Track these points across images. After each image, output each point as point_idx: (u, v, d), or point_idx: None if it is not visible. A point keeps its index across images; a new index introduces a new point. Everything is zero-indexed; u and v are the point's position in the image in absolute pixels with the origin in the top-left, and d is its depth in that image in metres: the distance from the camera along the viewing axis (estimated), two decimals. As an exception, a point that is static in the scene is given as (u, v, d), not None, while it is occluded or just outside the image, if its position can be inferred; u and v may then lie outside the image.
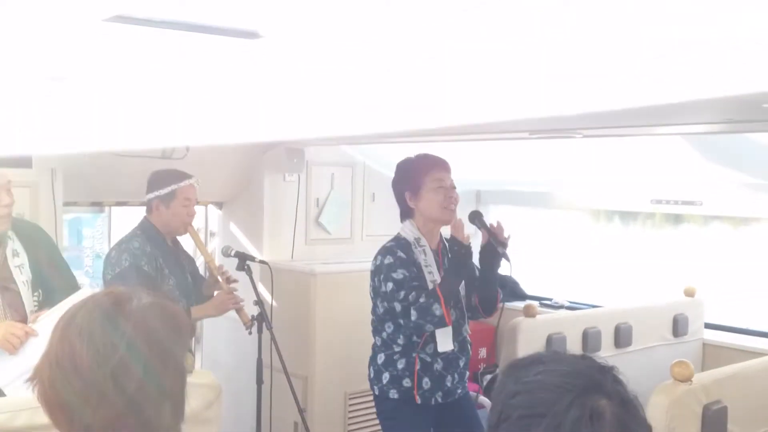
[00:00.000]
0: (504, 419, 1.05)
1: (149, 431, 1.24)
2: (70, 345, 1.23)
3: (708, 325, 4.38)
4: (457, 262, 2.95)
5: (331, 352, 4.19)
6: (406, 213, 3.12)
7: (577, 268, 5.04)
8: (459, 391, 3.10)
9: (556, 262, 5.14)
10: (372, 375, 3.12)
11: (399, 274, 2.93)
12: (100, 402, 1.20)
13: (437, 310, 2.83)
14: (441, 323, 2.86)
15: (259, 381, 3.66)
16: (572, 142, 4.03)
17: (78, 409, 1.21)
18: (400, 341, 3.01)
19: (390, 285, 2.94)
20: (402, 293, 2.89)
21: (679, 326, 4.18)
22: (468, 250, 2.94)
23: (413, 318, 2.85)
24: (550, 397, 1.03)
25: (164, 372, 1.25)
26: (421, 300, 2.84)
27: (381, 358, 3.07)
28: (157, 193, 3.42)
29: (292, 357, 3.73)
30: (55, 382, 1.22)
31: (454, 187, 3.07)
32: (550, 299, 5.03)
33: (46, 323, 2.51)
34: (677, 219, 4.62)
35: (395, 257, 2.97)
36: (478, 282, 3.07)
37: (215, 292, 3.69)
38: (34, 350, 2.45)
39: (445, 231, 3.20)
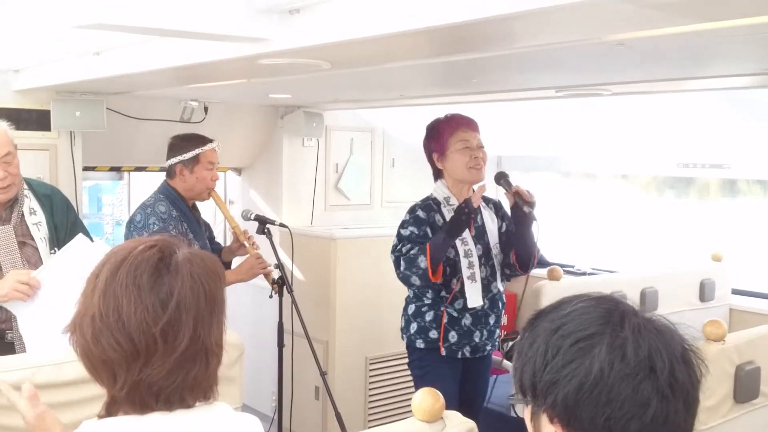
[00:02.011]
0: (553, 355, 1.03)
1: (197, 386, 1.20)
2: (115, 300, 1.17)
3: (735, 291, 4.29)
4: (455, 222, 2.93)
5: (352, 317, 4.17)
6: (436, 173, 3.15)
7: (615, 242, 4.94)
8: (488, 348, 3.14)
9: (597, 235, 5.04)
10: (402, 324, 3.18)
11: (407, 231, 2.99)
12: (149, 360, 1.16)
13: (422, 262, 2.85)
14: (425, 277, 2.87)
15: (280, 345, 3.64)
16: (597, 106, 3.96)
17: (124, 367, 1.17)
18: (429, 295, 3.05)
19: (396, 239, 3.02)
20: (399, 245, 2.97)
21: (705, 291, 4.10)
22: (467, 216, 2.91)
23: (402, 268, 2.91)
24: (600, 315, 1.03)
25: (211, 325, 1.21)
26: (411, 252, 2.89)
27: (411, 308, 3.12)
28: (180, 158, 3.38)
29: (312, 322, 3.70)
30: (100, 339, 1.17)
31: (481, 147, 3.06)
32: (572, 266, 4.96)
33: (48, 271, 2.49)
34: (733, 191, 4.47)
35: (413, 215, 3.02)
36: (514, 240, 3.08)
37: (236, 258, 3.67)
38: (43, 298, 2.44)
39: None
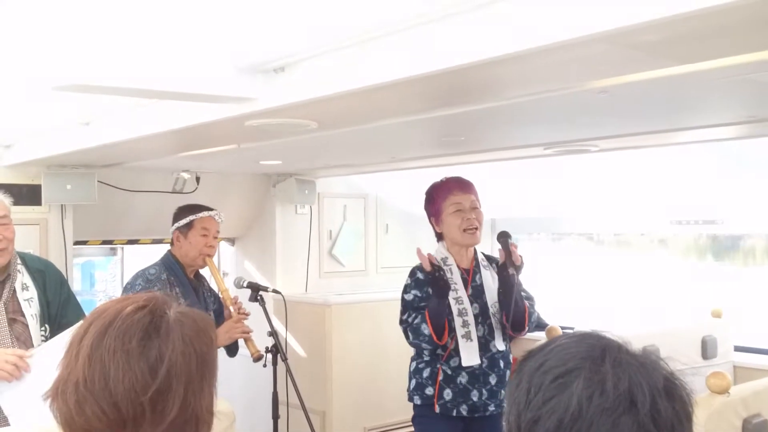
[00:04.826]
0: (535, 392, 0.99)
1: None
2: (102, 366, 1.11)
3: (738, 348, 4.22)
4: (432, 285, 2.93)
5: (349, 386, 4.07)
6: (438, 235, 3.20)
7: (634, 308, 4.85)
8: (491, 408, 3.07)
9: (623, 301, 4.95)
10: (407, 381, 3.18)
11: (410, 295, 3.03)
12: (136, 430, 1.10)
13: (425, 329, 2.92)
14: (431, 342, 2.93)
15: (275, 416, 3.55)
16: (587, 164, 3.98)
17: None
18: (427, 352, 3.07)
19: (401, 305, 3.06)
20: (405, 315, 3.02)
21: (708, 348, 4.02)
22: (437, 277, 2.90)
23: (411, 339, 3.00)
24: (581, 350, 1.00)
25: (202, 391, 1.15)
26: (415, 322, 2.96)
27: (413, 365, 3.15)
28: (177, 225, 3.47)
29: (308, 391, 3.61)
30: (84, 406, 1.10)
31: (475, 208, 3.09)
32: (572, 328, 4.89)
33: (41, 355, 2.43)
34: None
35: (413, 279, 3.06)
36: (502, 300, 3.07)
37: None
38: (32, 382, 2.37)
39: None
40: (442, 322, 2.93)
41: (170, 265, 3.42)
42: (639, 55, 1.39)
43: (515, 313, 2.99)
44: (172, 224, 3.49)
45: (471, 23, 1.40)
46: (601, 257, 5.21)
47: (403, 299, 3.04)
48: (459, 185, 3.11)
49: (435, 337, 2.90)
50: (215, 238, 3.50)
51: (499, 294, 3.11)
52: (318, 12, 1.65)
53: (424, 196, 3.21)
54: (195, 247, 3.42)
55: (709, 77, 1.64)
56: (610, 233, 5.01)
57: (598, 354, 0.99)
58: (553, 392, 0.97)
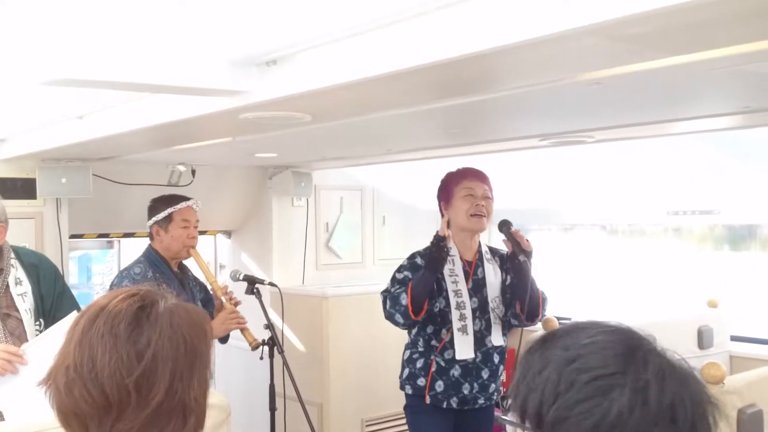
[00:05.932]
0: (566, 389, 0.94)
1: None
2: (90, 349, 1.12)
3: (734, 338, 4.23)
4: (430, 254, 2.95)
5: (346, 378, 4.08)
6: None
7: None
8: (481, 401, 3.08)
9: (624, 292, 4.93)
10: (400, 369, 3.20)
11: (401, 274, 3.04)
12: (121, 414, 1.10)
13: (404, 300, 2.91)
14: (406, 314, 2.90)
15: (272, 408, 3.56)
16: (584, 154, 3.97)
17: (95, 420, 1.10)
18: (421, 343, 3.09)
19: (389, 282, 3.07)
20: (390, 286, 3.03)
21: (704, 338, 4.03)
22: (441, 247, 2.93)
23: (387, 306, 2.98)
24: (622, 353, 0.95)
25: (191, 382, 1.14)
26: (396, 291, 2.95)
27: (406, 354, 3.17)
28: (155, 218, 3.43)
29: (305, 383, 3.62)
30: (73, 389, 1.11)
31: (487, 197, 3.10)
32: (569, 318, 4.89)
33: (36, 347, 2.43)
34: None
35: (411, 261, 3.08)
36: (515, 290, 3.07)
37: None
38: (28, 374, 2.37)
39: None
40: (424, 297, 2.89)
41: (154, 260, 3.39)
42: (631, 47, 1.39)
43: (530, 301, 2.98)
44: (149, 218, 3.44)
45: (463, 15, 1.40)
46: (614, 247, 5.18)
47: (393, 276, 3.05)
48: (474, 173, 3.15)
49: (410, 309, 2.87)
50: (196, 227, 3.47)
51: (507, 287, 3.12)
52: (311, 4, 1.65)
53: (438, 184, 3.19)
54: (177, 240, 3.39)
55: (703, 68, 1.64)
56: (623, 223, 5.00)
57: (641, 359, 0.94)
58: (589, 393, 0.93)
